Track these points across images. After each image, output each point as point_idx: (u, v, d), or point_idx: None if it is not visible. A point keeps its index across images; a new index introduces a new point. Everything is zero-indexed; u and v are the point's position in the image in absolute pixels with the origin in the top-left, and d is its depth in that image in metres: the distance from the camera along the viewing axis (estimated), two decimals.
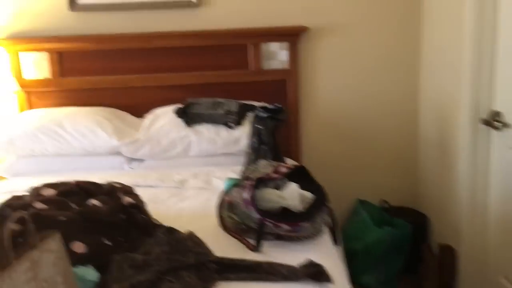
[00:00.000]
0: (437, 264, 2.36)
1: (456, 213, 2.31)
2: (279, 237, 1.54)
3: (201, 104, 2.43)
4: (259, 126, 2.07)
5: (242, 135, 2.34)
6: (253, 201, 1.50)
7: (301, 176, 1.70)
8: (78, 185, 1.49)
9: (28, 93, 2.63)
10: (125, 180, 2.12)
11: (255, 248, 1.48)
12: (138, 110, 2.62)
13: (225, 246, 1.49)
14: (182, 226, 1.69)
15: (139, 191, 1.85)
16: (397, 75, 2.71)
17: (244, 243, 1.53)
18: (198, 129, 2.37)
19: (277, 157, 2.10)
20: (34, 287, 0.99)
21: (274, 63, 2.65)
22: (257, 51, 2.63)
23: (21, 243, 1.03)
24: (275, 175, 1.66)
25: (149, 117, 2.50)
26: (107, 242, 1.37)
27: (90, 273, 1.22)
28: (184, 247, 1.32)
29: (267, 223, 1.48)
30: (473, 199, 2.17)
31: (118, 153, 2.37)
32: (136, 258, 1.32)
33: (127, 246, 1.42)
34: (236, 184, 1.67)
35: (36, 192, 1.41)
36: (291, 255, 1.46)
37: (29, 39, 2.58)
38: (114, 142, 2.30)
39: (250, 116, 2.32)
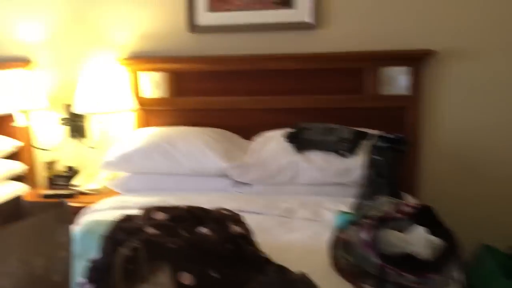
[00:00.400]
0: None
1: None
2: (397, 286, 1.35)
3: (313, 130, 2.31)
4: (377, 157, 1.90)
5: (355, 165, 2.17)
6: (374, 244, 1.34)
7: (426, 218, 1.50)
8: (189, 210, 1.44)
9: (145, 111, 2.71)
10: (230, 204, 2.07)
11: None
12: (247, 132, 2.58)
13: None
14: (290, 261, 1.58)
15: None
16: None
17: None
18: (308, 155, 2.25)
19: (396, 192, 1.91)
20: None
21: (393, 89, 2.47)
22: (374, 76, 2.47)
23: (132, 272, 0.97)
24: (397, 215, 1.49)
25: (258, 140, 2.43)
26: (214, 274, 1.29)
27: None
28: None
29: (389, 270, 1.30)
30: None
31: (225, 176, 2.32)
32: None
33: (235, 281, 1.33)
34: (352, 221, 1.51)
35: (147, 215, 1.38)
36: None
37: (149, 59, 2.67)
38: (222, 164, 2.26)
39: (365, 145, 2.15)
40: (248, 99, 2.60)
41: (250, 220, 1.81)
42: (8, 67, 2.63)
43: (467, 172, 2.49)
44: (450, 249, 1.39)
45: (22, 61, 2.74)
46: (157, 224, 1.30)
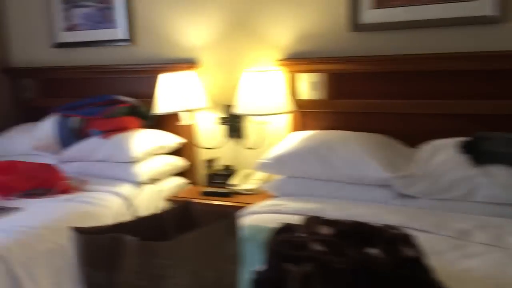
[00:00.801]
0: None
1: None
2: None
3: (494, 140, 2.01)
4: None
5: None
6: None
7: None
8: (355, 226, 1.31)
9: (302, 114, 2.64)
10: (393, 218, 1.90)
11: None
12: (411, 139, 2.35)
13: None
14: None
15: None
16: None
17: None
18: (489, 169, 1.95)
19: None
20: None
21: None
22: None
23: None
24: None
25: (426, 149, 2.19)
26: None
27: None
28: None
29: None
30: None
31: (387, 186, 2.13)
32: None
33: None
34: None
35: (311, 228, 1.29)
36: None
37: (307, 60, 2.60)
38: (385, 174, 2.08)
39: None
40: (413, 102, 2.37)
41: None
42: (176, 69, 2.78)
43: None
44: None
45: (188, 63, 2.88)
46: (323, 240, 1.19)
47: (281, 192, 2.34)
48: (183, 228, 0.97)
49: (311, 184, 2.29)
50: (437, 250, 1.67)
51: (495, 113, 2.21)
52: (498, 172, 1.93)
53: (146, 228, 0.94)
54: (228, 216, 0.96)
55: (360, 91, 2.49)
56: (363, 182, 2.18)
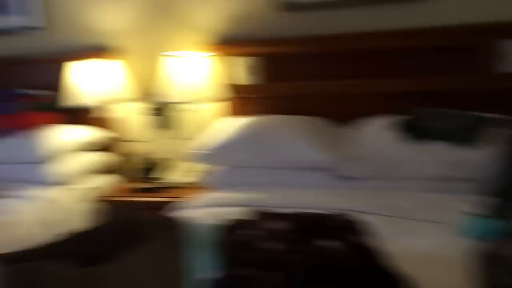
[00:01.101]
0: None
1: None
2: None
3: (431, 117, 2.02)
4: None
5: (483, 157, 1.87)
6: None
7: None
8: (304, 218, 1.24)
9: (237, 99, 2.54)
10: (334, 201, 1.87)
11: None
12: (349, 119, 2.33)
13: None
14: (422, 276, 1.34)
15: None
16: None
17: None
18: (426, 147, 1.97)
19: None
20: None
21: None
22: (491, 52, 2.13)
23: None
24: None
25: (364, 129, 2.18)
26: None
27: None
28: None
29: None
30: None
31: (326, 169, 2.10)
32: None
33: None
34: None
35: (265, 224, 1.20)
36: None
37: (240, 43, 2.49)
38: (325, 157, 2.04)
39: (499, 132, 1.84)
40: (349, 83, 2.35)
41: None
42: (92, 57, 2.54)
43: None
44: None
45: (106, 51, 2.65)
46: (280, 238, 1.11)
47: (221, 183, 2.24)
48: (122, 243, 0.84)
49: (253, 173, 2.22)
50: (379, 231, 1.65)
51: (432, 90, 2.23)
52: (435, 149, 1.95)
53: (80, 246, 0.80)
54: (170, 224, 0.84)
55: (296, 74, 2.43)
56: (304, 167, 2.13)
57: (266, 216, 1.24)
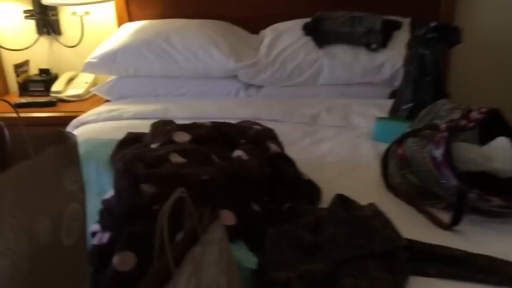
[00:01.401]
0: None
1: None
2: (474, 210, 1.14)
3: (336, 19, 1.96)
4: (422, 51, 1.59)
5: (387, 60, 1.87)
6: (450, 162, 1.08)
7: (494, 124, 1.25)
8: (216, 128, 1.13)
9: (128, 1, 2.27)
10: (245, 111, 1.79)
11: (449, 226, 1.09)
12: (254, 24, 2.19)
13: (395, 217, 1.10)
14: (330, 180, 1.34)
15: None
16: None
17: (427, 217, 1.14)
18: (331, 51, 1.92)
19: (442, 94, 1.63)
20: None
21: None
22: None
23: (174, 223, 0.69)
24: (467, 123, 1.23)
25: (269, 34, 2.07)
26: (256, 207, 1.03)
27: (248, 259, 0.89)
28: (369, 229, 0.95)
29: (470, 194, 1.07)
30: None
31: (233, 77, 1.99)
32: (299, 235, 0.98)
33: (279, 213, 1.09)
34: (408, 132, 1.25)
35: (168, 138, 1.08)
36: (496, 239, 1.06)
37: None
38: (231, 64, 1.92)
39: (404, 35, 1.83)
40: None
41: None
42: None
43: (504, 66, 2.21)
44: None
45: None
46: (183, 150, 1.00)
47: (115, 95, 2.05)
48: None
49: (149, 82, 2.04)
50: (291, 139, 1.61)
51: None
52: (340, 52, 1.91)
53: None
54: (61, 137, 0.70)
55: None
56: (208, 76, 1.99)
57: (164, 127, 1.12)
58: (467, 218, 1.10)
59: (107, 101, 2.08)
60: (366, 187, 1.30)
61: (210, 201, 0.94)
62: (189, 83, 2.01)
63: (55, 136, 0.72)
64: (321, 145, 1.58)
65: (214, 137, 1.09)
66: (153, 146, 1.07)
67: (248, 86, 2.01)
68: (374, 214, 0.97)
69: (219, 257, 0.73)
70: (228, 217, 0.93)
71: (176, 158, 0.96)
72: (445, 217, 1.14)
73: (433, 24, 1.59)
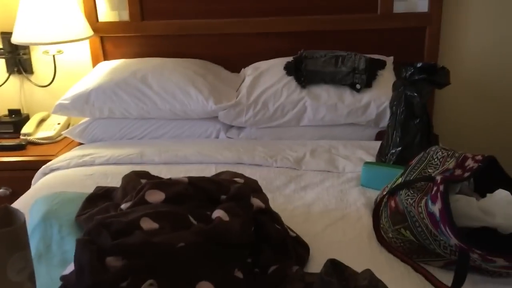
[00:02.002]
0: None
1: None
2: (475, 269, 1.05)
3: (318, 59, 1.90)
4: (411, 93, 1.52)
5: (372, 100, 1.81)
6: (449, 220, 1.00)
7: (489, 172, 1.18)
8: (193, 184, 1.03)
9: (103, 39, 2.19)
10: (226, 155, 1.71)
11: None
12: (234, 62, 2.13)
13: (389, 277, 1.00)
14: (317, 234, 1.25)
15: (244, 172, 1.40)
16: None
17: (425, 277, 1.05)
18: (315, 91, 1.85)
19: (431, 137, 1.57)
20: None
21: (409, 5, 2.04)
22: None
23: None
24: (462, 173, 1.15)
25: (250, 73, 2.00)
26: (239, 274, 0.93)
27: None
28: None
29: (473, 254, 0.98)
30: None
31: (214, 118, 1.90)
32: None
33: (264, 278, 0.98)
34: (401, 184, 1.16)
35: (140, 197, 0.97)
36: None
37: None
38: (210, 105, 1.83)
39: (387, 74, 1.78)
40: (233, 21, 2.11)
41: (252, 175, 1.45)
42: None
43: (487, 102, 2.17)
44: None
45: None
46: (156, 214, 0.89)
47: (87, 138, 1.94)
48: None
49: (124, 124, 1.93)
50: (275, 185, 1.54)
51: (316, 30, 2.09)
52: (322, 92, 1.84)
53: None
54: (9, 218, 0.59)
55: (171, 10, 2.12)
56: (187, 117, 1.90)
57: (144, 189, 1.01)
58: (468, 277, 1.01)
59: (81, 143, 1.97)
60: (357, 242, 1.21)
61: (187, 271, 0.83)
62: (167, 125, 1.91)
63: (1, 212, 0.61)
64: (306, 192, 1.49)
65: (191, 194, 0.99)
66: (123, 206, 0.96)
67: (229, 127, 1.92)
68: (370, 284, 0.87)
69: None
70: None
71: (148, 224, 0.85)
72: (444, 276, 1.06)
73: (419, 65, 1.54)
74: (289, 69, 1.90)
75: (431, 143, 1.53)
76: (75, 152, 1.80)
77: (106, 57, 2.21)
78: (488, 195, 1.10)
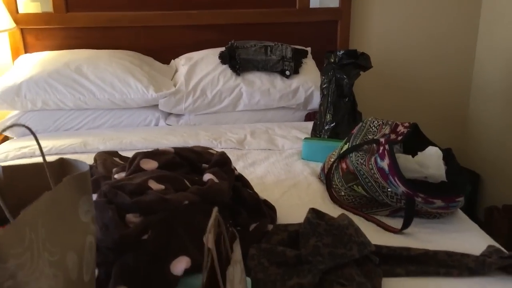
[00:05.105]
0: (505, 227, 2.19)
1: None
2: (416, 214, 1.26)
3: (249, 48, 2.04)
4: (340, 76, 1.73)
5: (300, 85, 1.99)
6: (397, 171, 1.19)
7: (415, 136, 1.41)
8: (179, 154, 1.10)
9: (24, 31, 2.11)
10: (171, 139, 1.78)
11: (401, 230, 1.19)
12: (162, 54, 2.19)
13: None
14: (276, 200, 1.38)
15: None
16: (455, 21, 2.43)
17: (377, 224, 1.24)
18: (249, 78, 1.99)
19: (356, 114, 1.79)
20: None
21: (324, 0, 2.27)
22: None
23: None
24: (397, 136, 1.36)
25: (184, 63, 2.07)
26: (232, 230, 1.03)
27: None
28: (347, 237, 1.00)
29: (418, 198, 1.18)
30: None
31: (153, 107, 1.95)
32: (280, 252, 0.99)
33: (246, 235, 1.09)
34: (354, 148, 1.34)
35: (135, 165, 1.02)
36: (441, 237, 1.19)
37: None
38: (151, 94, 1.87)
39: (309, 62, 1.97)
40: (161, 14, 2.17)
41: None
42: None
43: (389, 85, 2.49)
44: (456, 166, 1.32)
45: None
46: (159, 177, 0.96)
47: (17, 131, 1.87)
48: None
49: (59, 116, 1.90)
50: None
51: (238, 22, 2.23)
52: (256, 79, 1.98)
53: None
54: (63, 164, 0.64)
55: (96, 2, 2.12)
56: (126, 106, 1.92)
57: (137, 158, 1.06)
58: (413, 221, 1.22)
59: (7, 138, 1.90)
60: (312, 203, 1.36)
61: (194, 226, 0.92)
62: (105, 115, 1.92)
63: (58, 165, 0.66)
64: (255, 168, 1.62)
65: (179, 163, 1.07)
66: (117, 176, 1.01)
67: (167, 114, 1.98)
68: (349, 223, 1.02)
69: (241, 277, 0.72)
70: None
71: (155, 185, 0.92)
72: (391, 222, 1.25)
73: (342, 52, 1.75)
74: (224, 58, 2.02)
75: (356, 119, 1.76)
76: (11, 145, 1.74)
77: (27, 50, 2.13)
78: (419, 153, 1.31)
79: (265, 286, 0.93)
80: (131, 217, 0.83)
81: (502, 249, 1.09)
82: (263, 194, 1.41)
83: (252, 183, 1.50)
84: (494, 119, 2.38)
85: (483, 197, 2.48)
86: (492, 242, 1.16)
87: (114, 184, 0.88)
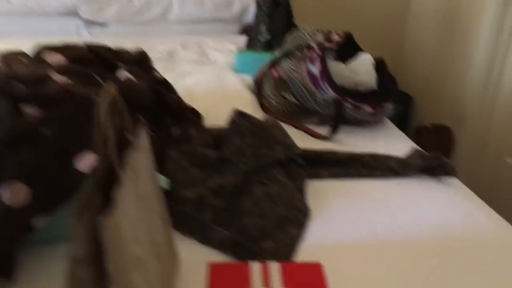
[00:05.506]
0: (433, 144, 2.26)
1: (456, 92, 2.18)
2: (345, 121, 1.24)
3: None
4: None
5: None
6: (328, 76, 1.15)
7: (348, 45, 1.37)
8: (92, 50, 1.00)
9: None
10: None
11: (329, 136, 1.17)
12: None
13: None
14: (205, 110, 1.32)
15: None
16: None
17: (306, 131, 1.21)
18: None
19: (292, 24, 1.72)
20: (142, 212, 0.60)
21: None
22: None
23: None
24: (329, 44, 1.31)
25: None
26: (151, 134, 0.96)
27: (160, 180, 0.83)
28: (271, 138, 0.96)
29: (346, 104, 1.16)
30: (487, 77, 2.03)
31: (73, 14, 1.78)
32: (201, 153, 0.94)
33: (170, 139, 1.03)
34: (286, 55, 1.29)
35: (36, 58, 0.91)
36: (368, 143, 1.18)
37: None
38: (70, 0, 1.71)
39: None
40: None
41: None
42: None
43: (326, 5, 2.42)
44: (386, 75, 1.30)
45: None
46: (63, 68, 0.86)
47: None
48: None
49: None
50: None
51: None
52: None
53: None
54: None
55: None
56: (44, 12, 1.74)
57: (41, 51, 0.95)
58: (342, 129, 1.20)
59: None
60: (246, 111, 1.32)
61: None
62: (19, 21, 1.74)
63: None
64: (185, 79, 1.54)
65: (91, 59, 0.96)
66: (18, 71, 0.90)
67: (90, 24, 1.82)
68: (274, 124, 0.98)
69: (148, 167, 0.66)
70: None
71: (58, 77, 0.82)
72: (320, 130, 1.23)
73: None
74: None
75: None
76: None
77: None
78: (350, 60, 1.28)
79: (184, 187, 0.88)
80: (28, 109, 0.74)
81: (425, 152, 1.09)
82: (192, 103, 1.34)
83: (181, 94, 1.43)
84: (430, 41, 2.39)
85: (415, 119, 2.54)
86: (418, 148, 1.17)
87: (8, 73, 0.78)
